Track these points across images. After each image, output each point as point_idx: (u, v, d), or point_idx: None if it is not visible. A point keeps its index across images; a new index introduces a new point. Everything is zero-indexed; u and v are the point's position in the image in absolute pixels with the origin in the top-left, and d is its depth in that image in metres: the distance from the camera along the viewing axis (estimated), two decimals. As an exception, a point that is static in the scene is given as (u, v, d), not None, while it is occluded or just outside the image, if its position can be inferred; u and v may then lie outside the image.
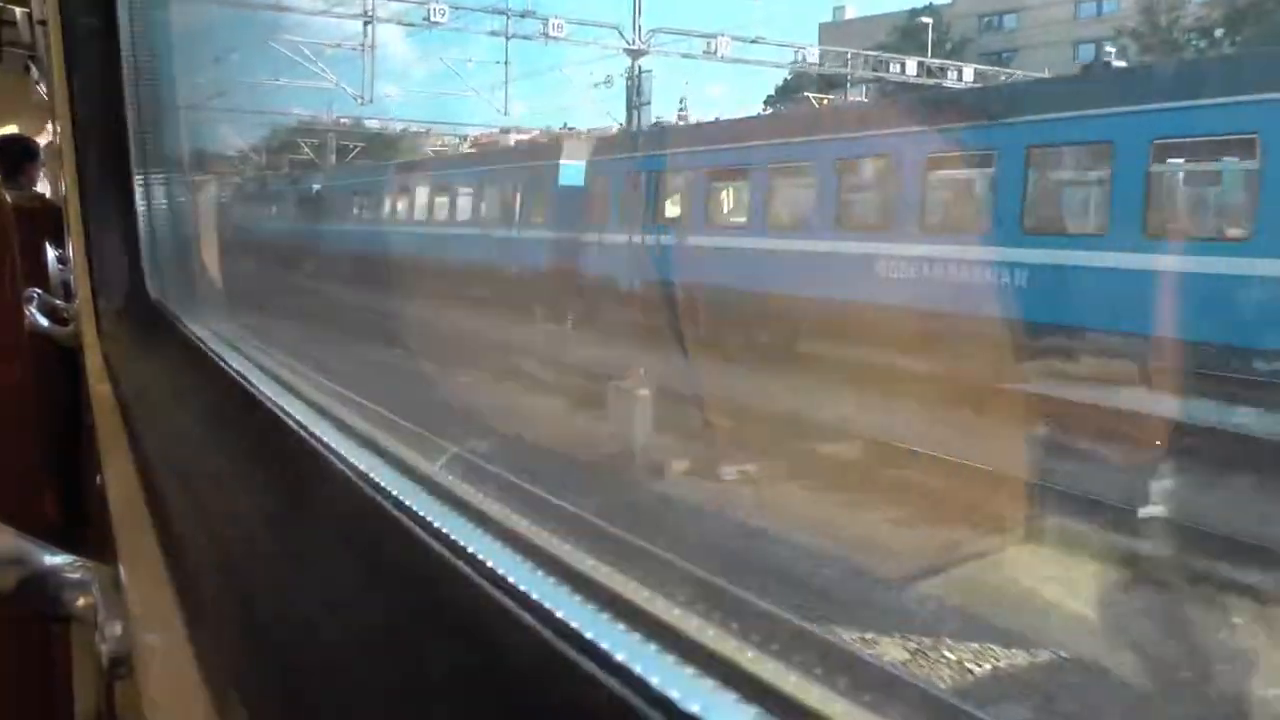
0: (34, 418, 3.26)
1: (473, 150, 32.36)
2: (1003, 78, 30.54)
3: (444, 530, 0.73)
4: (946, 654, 5.75)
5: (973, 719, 4.39)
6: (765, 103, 42.74)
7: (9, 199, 3.30)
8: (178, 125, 2.90)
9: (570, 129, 33.20)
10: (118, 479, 1.63)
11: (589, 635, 0.54)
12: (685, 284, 16.56)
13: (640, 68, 28.20)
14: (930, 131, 13.45)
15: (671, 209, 18.69)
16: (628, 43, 28.34)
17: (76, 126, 2.68)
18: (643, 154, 19.03)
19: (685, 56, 30.01)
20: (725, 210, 18.05)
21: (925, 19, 41.10)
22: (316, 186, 32.88)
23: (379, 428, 1.18)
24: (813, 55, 32.94)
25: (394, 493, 0.83)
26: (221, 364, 1.59)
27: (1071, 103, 12.34)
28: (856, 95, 31.85)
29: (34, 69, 7.82)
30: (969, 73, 32.73)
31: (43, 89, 7.40)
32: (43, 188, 6.12)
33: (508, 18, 27.50)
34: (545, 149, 22.42)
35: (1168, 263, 10.76)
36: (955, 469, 8.66)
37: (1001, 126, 12.69)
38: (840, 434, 9.89)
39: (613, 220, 19.16)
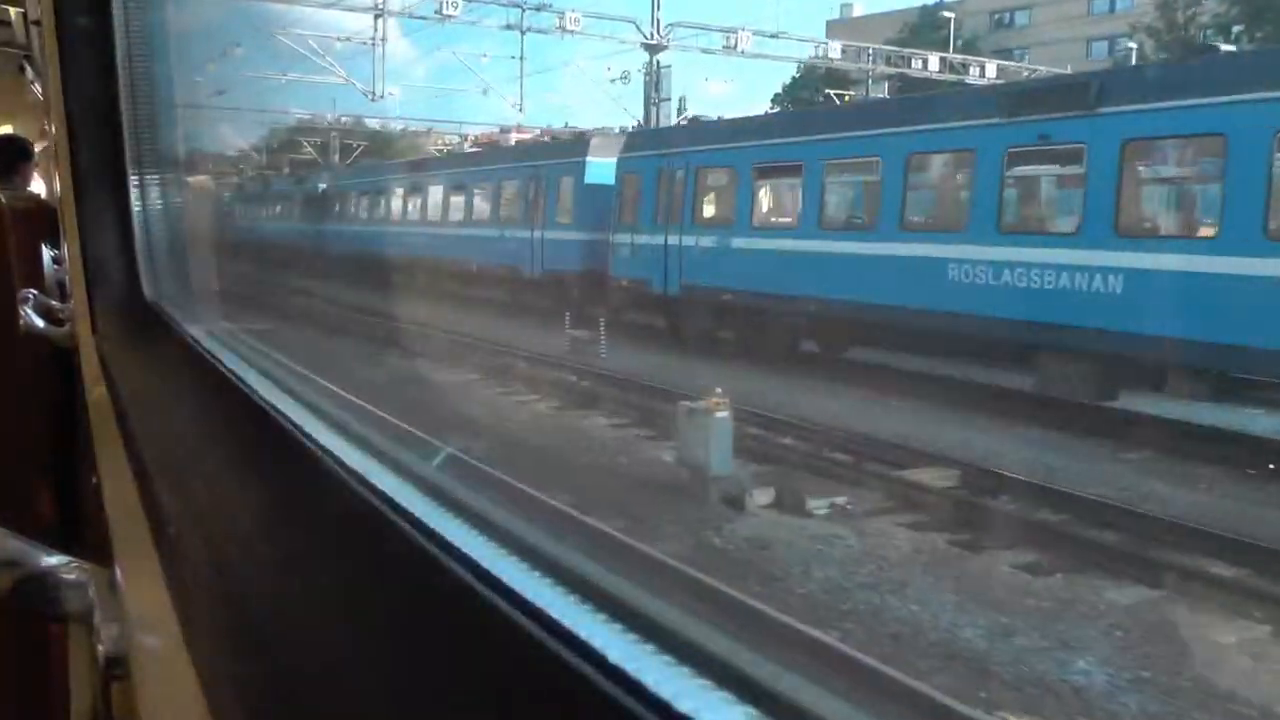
0: (29, 418, 3.26)
1: (490, 147, 31.38)
2: (1025, 74, 29.86)
3: (439, 531, 0.73)
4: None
5: (971, 721, 4.32)
6: (773, 101, 41.95)
7: (3, 199, 3.29)
8: (174, 124, 2.90)
9: (572, 129, 32.65)
10: (113, 480, 1.63)
11: (584, 636, 0.54)
12: (728, 288, 15.89)
13: (659, 63, 27.86)
14: (1009, 124, 12.20)
15: (713, 208, 17.57)
16: (646, 37, 27.82)
17: (71, 126, 2.68)
18: (680, 150, 17.61)
19: (704, 51, 29.62)
20: (774, 210, 16.96)
21: (947, 13, 40.42)
22: (323, 186, 32.05)
23: (373, 428, 1.18)
24: (835, 50, 32.30)
25: (389, 494, 0.84)
26: (217, 365, 1.59)
27: (1178, 90, 10.91)
28: (879, 92, 30.88)
29: (28, 69, 7.80)
30: (991, 68, 32.20)
31: (38, 89, 7.39)
32: (38, 188, 6.11)
33: (523, 10, 26.92)
34: (570, 146, 21.54)
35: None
36: (1066, 501, 7.75)
37: (1096, 118, 11.28)
38: (926, 457, 9.04)
39: (646, 220, 17.99)
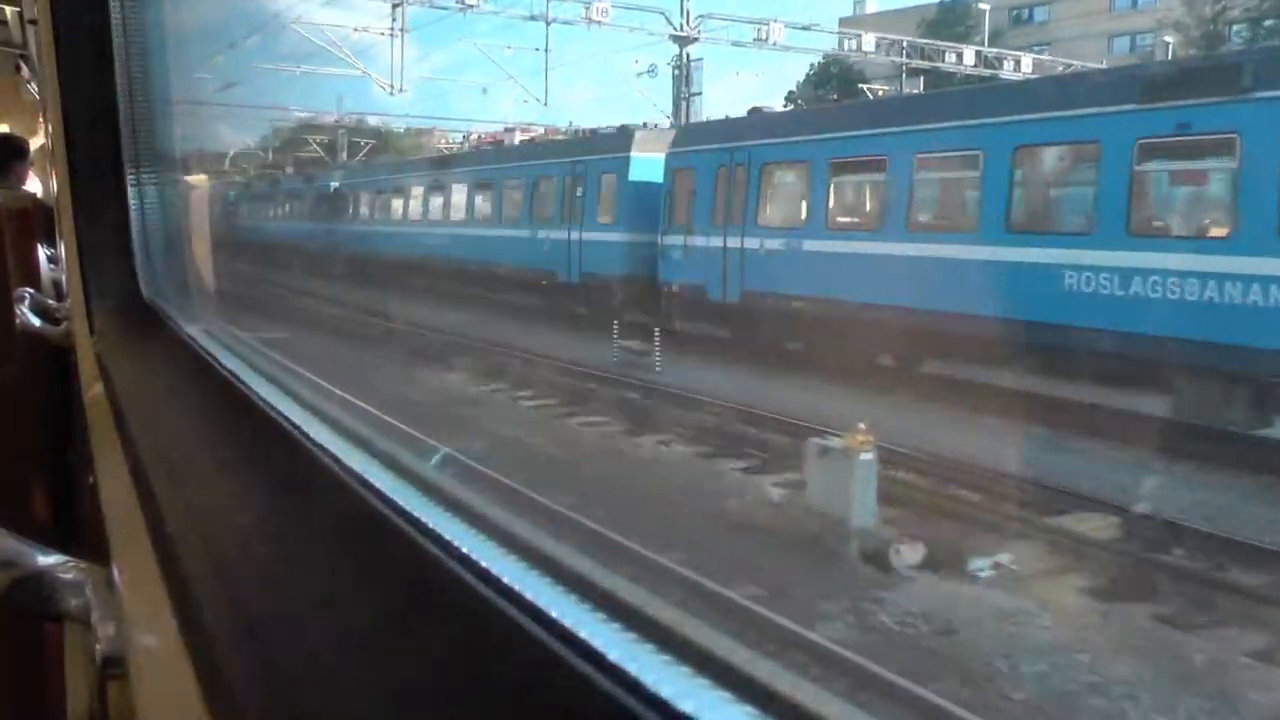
0: (26, 418, 3.26)
1: (522, 143, 29.71)
2: (1059, 68, 29.22)
3: (437, 530, 0.73)
4: None
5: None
6: (787, 99, 40.82)
7: None
8: (172, 123, 2.90)
9: (575, 128, 31.71)
10: (111, 479, 1.62)
11: (583, 635, 0.54)
12: (797, 295, 14.51)
13: (688, 55, 26.84)
14: (1139, 111, 10.80)
15: (780, 207, 15.97)
16: (675, 28, 26.81)
17: (68, 125, 2.67)
18: (742, 144, 16.01)
19: (735, 44, 28.53)
20: (853, 209, 15.39)
21: (983, 4, 39.43)
22: (335, 184, 30.67)
23: (371, 427, 1.18)
24: (869, 43, 31.11)
25: (387, 493, 0.83)
26: (215, 364, 1.59)
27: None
28: (913, 87, 29.99)
29: (25, 68, 7.79)
30: (1027, 62, 31.31)
31: (34, 88, 7.38)
32: (34, 187, 6.10)
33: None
34: (611, 140, 20.08)
35: None
36: (1268, 559, 6.78)
37: (1252, 104, 9.90)
38: (1072, 498, 7.86)
39: (702, 220, 16.49)
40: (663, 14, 27.14)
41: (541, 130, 32.38)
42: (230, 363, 1.57)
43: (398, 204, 27.05)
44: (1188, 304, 10.23)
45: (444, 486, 0.88)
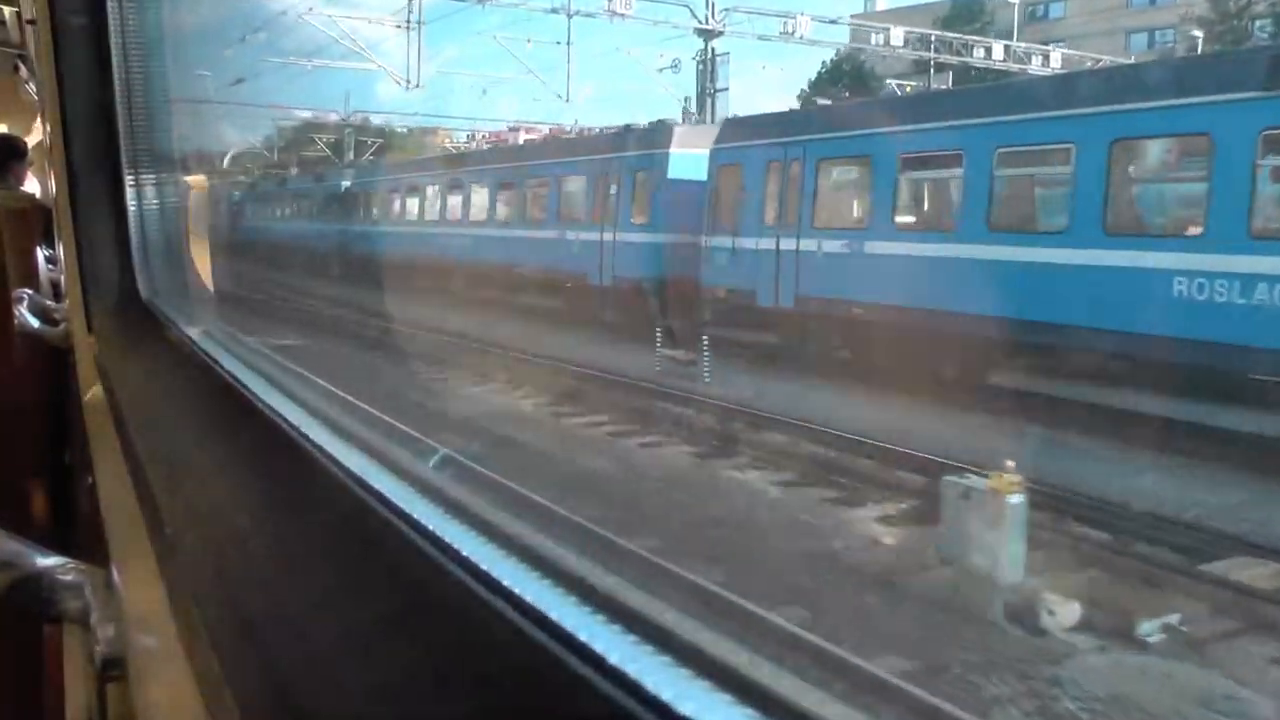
0: (24, 419, 3.26)
1: (548, 140, 28.18)
2: (1088, 63, 28.33)
3: (436, 532, 0.73)
4: None
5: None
6: (798, 98, 39.12)
7: (-3, 199, 3.28)
8: (171, 123, 2.90)
9: (581, 127, 30.41)
10: (109, 480, 1.62)
11: (583, 637, 0.54)
12: (859, 301, 13.29)
13: (714, 49, 25.58)
14: (1266, 99, 9.72)
15: (840, 206, 14.82)
16: (700, 22, 25.77)
17: (66, 126, 2.67)
18: (797, 138, 14.78)
19: (761, 38, 27.41)
20: (925, 207, 14.10)
21: None
22: (346, 184, 29.40)
23: (370, 428, 1.18)
24: (897, 37, 30.00)
25: (386, 494, 0.83)
26: (213, 365, 1.58)
27: None
28: (942, 82, 28.91)
29: (23, 68, 7.78)
30: (1056, 57, 30.45)
31: (32, 88, 7.37)
32: (32, 187, 6.09)
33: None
34: (647, 136, 18.77)
35: None
36: None
37: None
38: (1218, 539, 6.93)
39: (751, 220, 15.26)
40: (688, 7, 26.00)
41: (546, 130, 31.50)
42: (229, 364, 1.57)
43: (413, 204, 25.91)
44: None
45: (443, 488, 0.87)
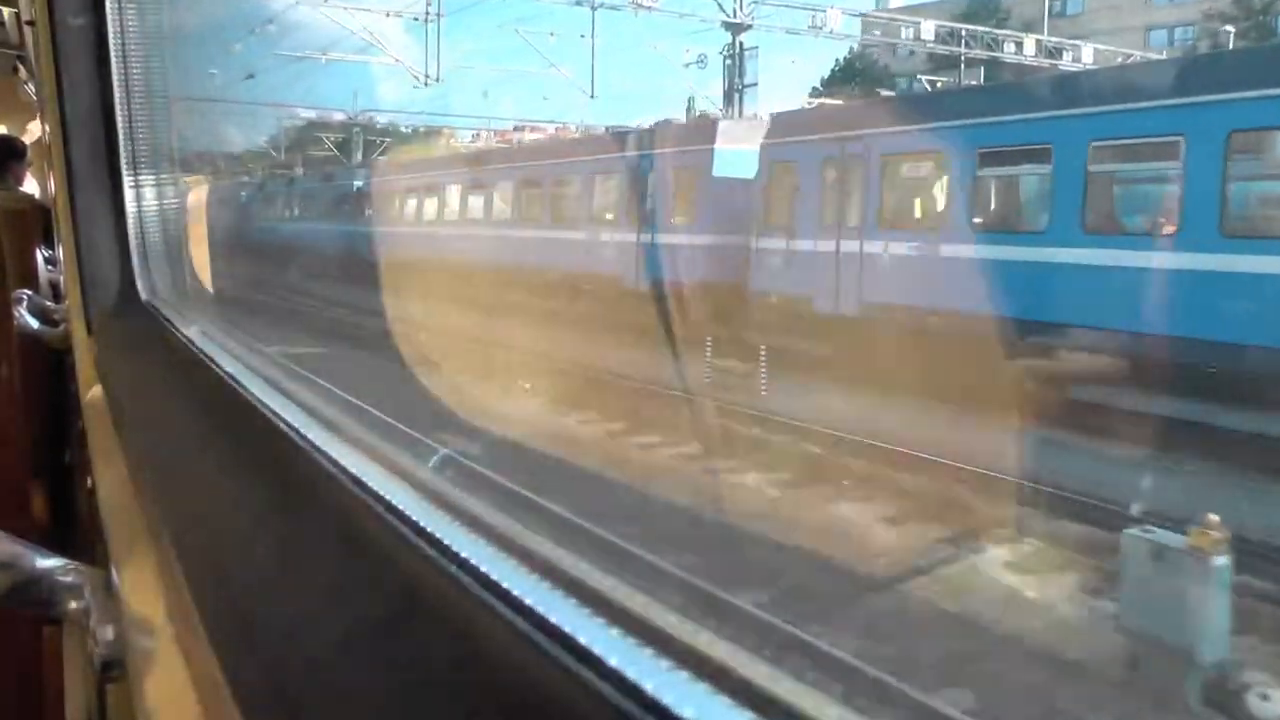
0: (23, 420, 3.26)
1: (578, 138, 26.82)
2: (1119, 59, 27.66)
3: (434, 532, 0.73)
4: None
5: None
6: (811, 96, 37.89)
7: (-3, 200, 3.28)
8: (170, 123, 2.90)
9: (587, 126, 29.37)
10: (108, 481, 1.62)
11: (582, 639, 0.54)
12: (933, 309, 12.08)
13: (742, 44, 24.63)
14: None
15: (910, 205, 13.62)
16: (728, 15, 24.87)
17: (65, 126, 2.67)
18: (860, 132, 13.68)
19: (789, 32, 26.54)
20: (1009, 207, 12.84)
21: None
22: (359, 183, 28.48)
23: (368, 429, 1.18)
24: (927, 31, 29.07)
25: (384, 495, 0.83)
26: (212, 366, 1.58)
27: None
28: (973, 79, 27.91)
29: (22, 69, 7.78)
30: (1088, 53, 29.58)
31: (31, 89, 7.38)
32: (31, 188, 6.09)
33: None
34: (688, 132, 17.83)
35: None
36: None
37: None
38: None
39: (807, 221, 14.19)
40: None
41: (554, 129, 30.67)
42: (228, 365, 1.57)
43: (431, 204, 24.73)
44: None
45: (442, 489, 0.87)
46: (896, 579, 6.85)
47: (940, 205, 12.94)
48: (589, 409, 11.43)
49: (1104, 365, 10.34)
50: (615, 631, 0.55)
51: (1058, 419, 9.30)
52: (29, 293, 3.47)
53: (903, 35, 29.77)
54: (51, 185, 4.02)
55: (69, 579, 1.27)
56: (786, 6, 26.26)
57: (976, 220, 12.29)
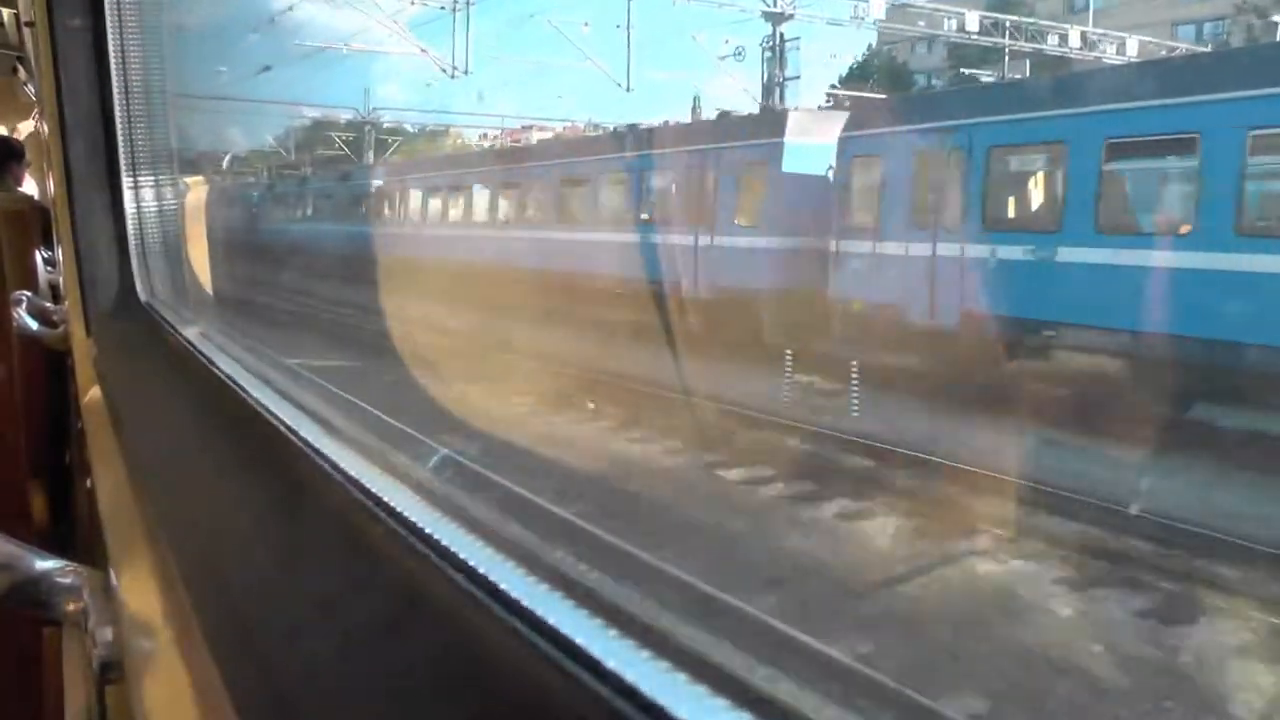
0: (22, 421, 3.26)
1: (622, 132, 24.24)
2: (1162, 52, 26.66)
3: (433, 535, 0.73)
4: None
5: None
6: (828, 95, 38.48)
7: (-4, 201, 3.29)
8: (170, 124, 2.90)
9: (594, 124, 28.13)
10: (107, 482, 1.62)
11: (580, 641, 0.54)
12: (1050, 321, 10.77)
13: (783, 35, 23.23)
14: None
15: (1021, 203, 12.16)
16: (768, 5, 23.53)
17: (64, 127, 2.67)
18: (960, 122, 12.22)
19: (830, 23, 25.29)
20: (1142, 205, 11.08)
21: None
22: (378, 182, 27.14)
23: (367, 430, 1.18)
24: (971, 22, 27.83)
25: (383, 497, 0.83)
26: (211, 367, 1.58)
27: None
28: (1018, 71, 26.83)
29: (21, 70, 7.79)
30: (1133, 45, 28.43)
31: (31, 90, 7.38)
32: (30, 189, 6.09)
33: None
34: (752, 125, 16.38)
35: None
36: None
37: None
38: None
39: (897, 221, 12.74)
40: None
41: (562, 128, 29.72)
42: (227, 366, 1.57)
43: (458, 204, 23.23)
44: None
45: (441, 490, 0.87)
46: (1106, 659, 5.53)
47: (1062, 203, 11.24)
48: (666, 434, 10.12)
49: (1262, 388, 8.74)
50: (613, 633, 0.55)
51: (1256, 463, 7.75)
52: (28, 294, 3.47)
53: (945, 26, 28.98)
54: (51, 186, 4.02)
55: (68, 580, 1.27)
56: (827, -4, 24.60)
57: (1105, 220, 10.68)
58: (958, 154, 12.12)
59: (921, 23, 29.54)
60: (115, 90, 2.56)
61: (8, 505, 2.93)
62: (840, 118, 15.04)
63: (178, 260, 2.89)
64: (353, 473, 0.91)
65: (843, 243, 13.53)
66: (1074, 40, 27.88)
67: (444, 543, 0.71)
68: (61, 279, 3.47)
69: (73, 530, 2.78)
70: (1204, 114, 9.76)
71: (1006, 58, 28.71)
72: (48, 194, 4.99)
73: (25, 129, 8.48)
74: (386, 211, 25.62)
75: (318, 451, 1.01)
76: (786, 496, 8.35)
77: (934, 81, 33.63)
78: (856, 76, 38.91)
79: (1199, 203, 9.91)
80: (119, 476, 1.48)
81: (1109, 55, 27.42)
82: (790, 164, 14.73)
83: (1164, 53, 26.59)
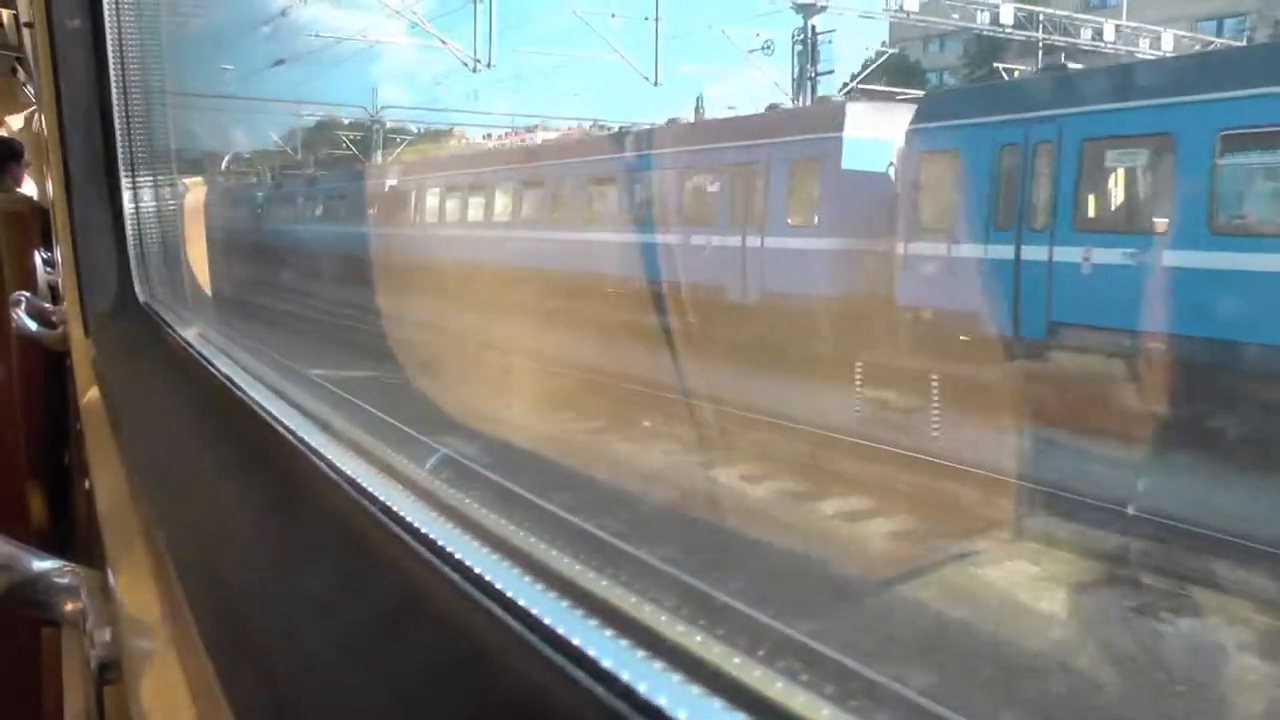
0: (21, 422, 3.26)
1: (661, 127, 22.92)
2: (1195, 47, 25.76)
3: (430, 535, 0.73)
4: None
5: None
6: (844, 93, 38.02)
7: (-5, 201, 3.29)
8: (170, 125, 2.90)
9: (600, 123, 26.86)
10: (106, 483, 1.62)
11: (577, 641, 0.54)
12: (1154, 333, 9.62)
13: (814, 28, 22.76)
14: None
15: (1120, 203, 11.00)
16: None
17: (63, 128, 2.67)
18: (1043, 114, 11.19)
19: (864, 16, 24.64)
20: (1261, 205, 9.84)
21: None
22: (393, 183, 26.20)
23: (365, 431, 1.18)
24: (1006, 15, 27.05)
25: (380, 497, 0.83)
26: (210, 368, 1.58)
27: None
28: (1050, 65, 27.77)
29: (20, 71, 7.79)
30: (1168, 39, 27.48)
31: (30, 90, 7.38)
32: (30, 189, 6.09)
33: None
34: (806, 119, 15.51)
35: None
36: None
37: None
38: None
39: (974, 222, 11.72)
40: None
41: (568, 128, 28.97)
42: (225, 367, 1.57)
43: (479, 204, 22.12)
44: None
45: (440, 491, 0.88)
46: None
47: (1163, 202, 10.17)
48: (747, 459, 9.22)
49: None
50: (610, 633, 0.55)
51: None
52: (27, 294, 3.47)
53: (978, 20, 28.52)
54: (50, 187, 4.02)
55: (66, 581, 1.27)
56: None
57: (1220, 221, 9.62)
58: (1044, 147, 11.17)
59: (955, 15, 28.91)
60: (114, 91, 2.56)
61: (6, 506, 2.93)
62: (904, 110, 14.02)
63: (177, 261, 2.89)
64: (351, 473, 0.92)
65: (912, 245, 12.52)
66: (1109, 34, 27.19)
67: (442, 544, 0.71)
68: (60, 280, 3.48)
69: (71, 531, 2.78)
70: None
71: (1040, 51, 27.90)
72: (47, 195, 4.98)
73: (15, 123, 8.47)
74: (399, 213, 24.67)
75: (316, 452, 1.01)
76: (893, 534, 7.46)
77: (946, 79, 33.24)
78: (869, 76, 38.71)
79: None
80: (117, 477, 1.48)
81: (1142, 50, 26.47)
82: (850, 160, 13.80)
83: (1197, 47, 26.07)
